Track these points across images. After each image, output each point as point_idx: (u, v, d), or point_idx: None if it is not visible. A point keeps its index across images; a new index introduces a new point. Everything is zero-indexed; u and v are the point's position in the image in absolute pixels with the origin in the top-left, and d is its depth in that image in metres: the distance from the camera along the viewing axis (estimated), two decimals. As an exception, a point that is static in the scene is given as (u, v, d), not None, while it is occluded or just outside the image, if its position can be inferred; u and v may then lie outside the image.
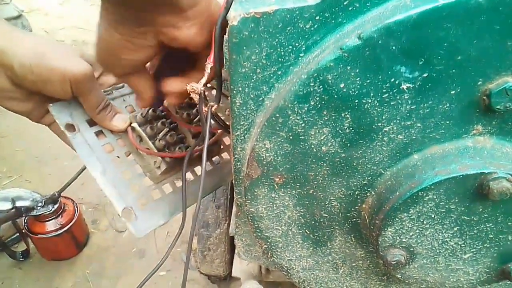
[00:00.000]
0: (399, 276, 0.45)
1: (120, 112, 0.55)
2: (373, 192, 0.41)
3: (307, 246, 0.49)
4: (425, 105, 0.35)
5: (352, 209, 0.44)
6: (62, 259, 1.31)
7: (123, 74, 0.46)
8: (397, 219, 0.39)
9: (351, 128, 0.37)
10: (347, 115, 0.36)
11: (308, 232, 0.47)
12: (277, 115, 0.37)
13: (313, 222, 0.46)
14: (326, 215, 0.45)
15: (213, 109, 0.44)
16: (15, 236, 1.33)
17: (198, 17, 0.39)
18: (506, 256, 0.41)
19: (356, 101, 0.35)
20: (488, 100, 0.33)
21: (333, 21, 0.35)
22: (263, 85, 0.38)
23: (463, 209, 0.38)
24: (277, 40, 0.35)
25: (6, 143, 1.81)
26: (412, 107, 0.35)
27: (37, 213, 1.18)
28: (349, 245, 0.48)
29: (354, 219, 0.45)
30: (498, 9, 0.30)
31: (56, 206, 1.20)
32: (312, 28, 0.35)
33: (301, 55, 0.36)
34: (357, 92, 0.34)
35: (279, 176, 0.42)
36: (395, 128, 0.36)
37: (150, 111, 0.57)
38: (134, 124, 0.54)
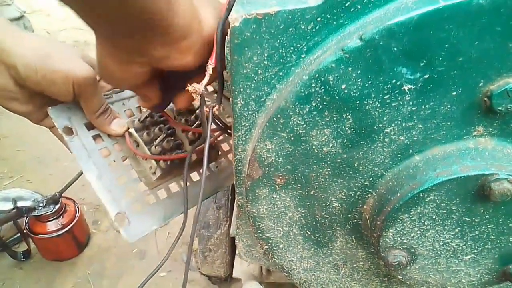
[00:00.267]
0: (400, 277, 0.45)
1: (118, 117, 0.55)
2: (374, 193, 0.42)
3: (308, 247, 0.49)
4: (427, 106, 0.35)
5: (353, 210, 0.44)
6: (63, 260, 1.31)
7: (126, 89, 0.47)
8: (398, 220, 0.39)
9: (352, 129, 0.37)
10: (349, 116, 0.36)
11: (309, 233, 0.47)
12: (279, 115, 0.37)
13: (314, 223, 0.46)
14: (327, 216, 0.45)
15: (214, 109, 0.44)
16: (16, 236, 1.34)
17: (192, 47, 0.38)
18: (507, 258, 0.41)
19: (358, 102, 0.35)
20: (489, 101, 0.34)
21: (334, 23, 0.35)
22: (264, 86, 0.38)
23: (464, 210, 0.38)
24: (278, 41, 0.35)
25: (8, 144, 1.81)
26: (414, 108, 0.35)
27: (38, 214, 1.18)
28: (350, 246, 0.48)
29: (355, 220, 0.45)
30: (499, 11, 0.30)
31: (57, 207, 1.21)
32: (314, 29, 0.35)
33: (303, 56, 0.36)
34: (358, 93, 0.34)
35: (280, 177, 0.42)
36: (396, 129, 0.36)
37: (148, 117, 0.57)
38: (132, 130, 0.55)
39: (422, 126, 0.36)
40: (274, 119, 0.37)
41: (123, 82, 0.43)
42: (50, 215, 1.20)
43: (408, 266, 0.43)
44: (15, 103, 0.48)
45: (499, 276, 0.43)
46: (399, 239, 0.41)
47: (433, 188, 0.37)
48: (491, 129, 0.36)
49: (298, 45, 0.36)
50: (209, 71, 0.41)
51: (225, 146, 0.66)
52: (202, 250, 1.00)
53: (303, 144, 0.39)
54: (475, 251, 0.41)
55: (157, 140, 0.56)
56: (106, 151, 0.53)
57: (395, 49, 0.32)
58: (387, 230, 0.40)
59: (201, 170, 0.61)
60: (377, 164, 0.39)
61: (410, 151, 0.38)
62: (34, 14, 2.89)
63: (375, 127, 0.37)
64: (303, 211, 0.45)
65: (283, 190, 0.43)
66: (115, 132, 0.54)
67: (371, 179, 0.41)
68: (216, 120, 0.52)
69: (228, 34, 0.36)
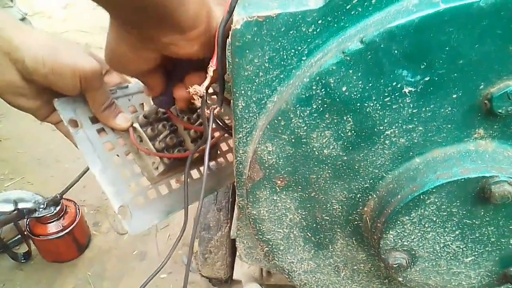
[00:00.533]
0: (400, 279, 0.45)
1: (123, 112, 0.55)
2: (374, 195, 0.42)
3: (309, 249, 0.49)
4: (427, 108, 0.35)
5: (354, 212, 0.44)
6: (63, 261, 1.31)
7: (132, 76, 0.48)
8: (398, 222, 0.39)
9: (353, 131, 0.37)
10: (349, 118, 0.36)
11: (309, 235, 0.47)
12: (280, 118, 0.37)
13: (314, 225, 0.46)
14: (328, 218, 0.45)
15: (215, 111, 0.44)
16: (17, 238, 1.34)
17: (199, 37, 0.40)
18: (507, 260, 0.41)
19: (358, 104, 0.35)
20: (489, 104, 0.34)
21: (335, 25, 0.35)
22: (265, 88, 0.38)
23: (464, 212, 0.38)
24: (279, 43, 0.36)
25: (9, 146, 1.82)
26: (414, 111, 0.35)
27: (39, 215, 1.19)
28: (350, 248, 0.48)
29: (356, 222, 0.45)
30: (500, 14, 0.30)
31: (58, 208, 1.21)
32: (315, 32, 0.35)
33: (304, 58, 0.37)
34: (359, 95, 0.35)
35: (281, 179, 0.42)
36: (397, 131, 0.37)
37: (153, 113, 0.57)
38: (136, 125, 0.55)
39: (423, 128, 0.36)
40: (275, 121, 0.38)
41: (131, 67, 0.44)
42: (50, 217, 1.20)
43: (408, 268, 0.43)
44: (22, 99, 0.48)
45: (499, 278, 0.43)
46: (399, 241, 0.41)
47: (434, 190, 0.37)
48: (491, 132, 0.36)
49: (299, 48, 0.36)
50: (210, 73, 0.41)
51: (223, 146, 0.66)
52: (202, 252, 1.00)
53: (303, 146, 0.39)
54: (476, 253, 0.41)
55: (161, 136, 0.57)
56: (110, 145, 0.54)
57: (396, 51, 0.32)
58: (387, 232, 0.40)
59: (201, 168, 0.62)
60: (378, 166, 0.39)
61: (411, 153, 0.38)
62: (36, 16, 2.90)
63: (375, 130, 0.37)
64: (303, 213, 0.45)
65: (284, 192, 0.43)
66: (120, 126, 0.54)
67: (371, 181, 0.41)
68: (217, 120, 0.52)
69: (229, 37, 0.36)
